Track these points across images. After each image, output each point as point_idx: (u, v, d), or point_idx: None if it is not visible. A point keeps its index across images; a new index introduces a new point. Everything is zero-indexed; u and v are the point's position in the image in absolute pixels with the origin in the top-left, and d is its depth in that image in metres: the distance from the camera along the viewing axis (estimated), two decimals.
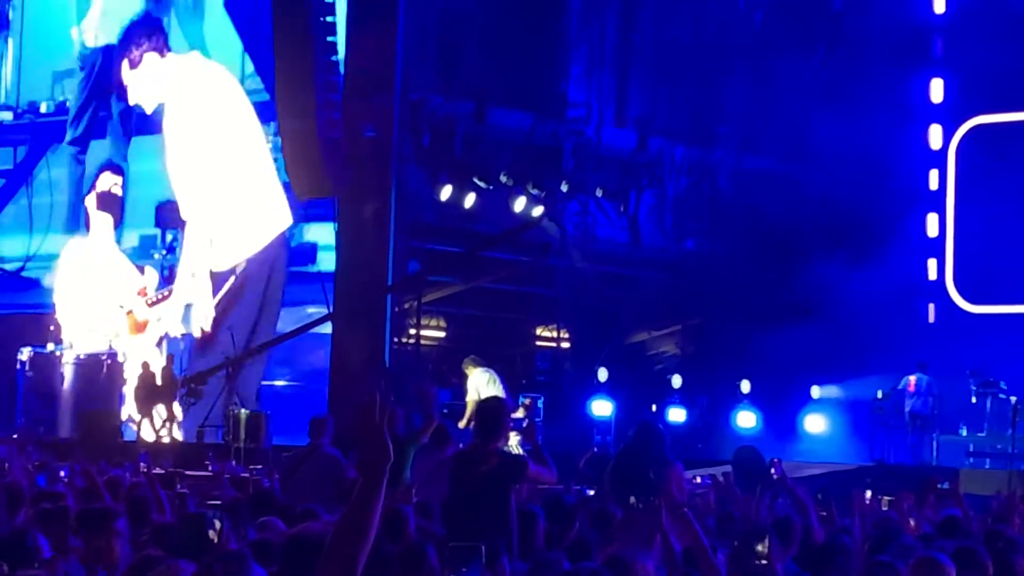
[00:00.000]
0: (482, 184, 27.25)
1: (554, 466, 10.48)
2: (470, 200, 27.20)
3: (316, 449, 14.32)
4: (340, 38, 24.81)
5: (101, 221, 31.38)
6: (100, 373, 27.68)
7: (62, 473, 13.48)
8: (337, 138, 24.32)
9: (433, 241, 27.65)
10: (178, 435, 26.20)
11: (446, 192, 26.88)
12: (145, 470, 12.62)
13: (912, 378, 26.53)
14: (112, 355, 27.99)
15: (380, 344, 25.44)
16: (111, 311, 29.94)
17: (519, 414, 24.02)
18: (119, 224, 31.73)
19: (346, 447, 14.98)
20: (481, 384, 24.30)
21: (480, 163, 27.40)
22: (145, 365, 27.27)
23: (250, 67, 30.19)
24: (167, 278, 31.07)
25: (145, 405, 26.56)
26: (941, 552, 7.49)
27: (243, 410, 23.90)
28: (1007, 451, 24.10)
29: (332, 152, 24.19)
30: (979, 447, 26.87)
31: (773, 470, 12.09)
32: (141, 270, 30.43)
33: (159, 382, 26.43)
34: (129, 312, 29.50)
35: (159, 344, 29.02)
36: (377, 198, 25.32)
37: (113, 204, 31.62)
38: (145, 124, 31.63)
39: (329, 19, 24.30)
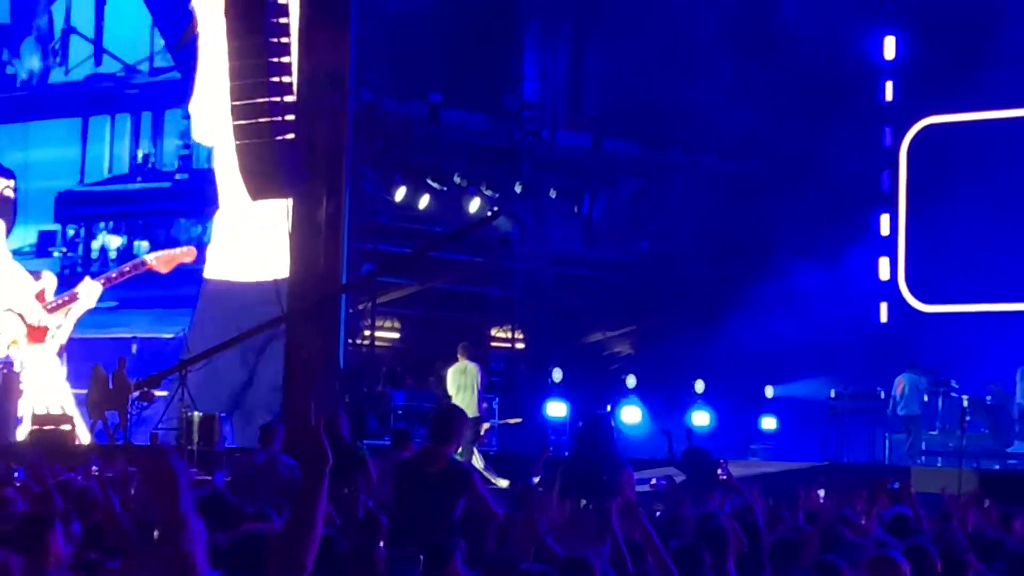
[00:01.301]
0: (436, 185, 27.27)
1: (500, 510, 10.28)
2: (424, 201, 27.21)
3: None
4: (293, 39, 24.75)
5: None
6: None
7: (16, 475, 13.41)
8: (291, 140, 24.26)
9: (388, 242, 27.64)
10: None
11: (400, 193, 26.88)
12: (96, 473, 12.57)
13: (900, 380, 26.36)
14: (7, 363, 27.60)
15: (335, 345, 25.38)
16: (4, 318, 29.64)
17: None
18: (10, 228, 31.45)
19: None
20: (450, 383, 23.91)
21: (434, 164, 27.41)
22: (96, 368, 27.10)
23: (160, 43, 30.04)
24: (67, 278, 30.90)
25: (98, 408, 26.48)
26: (895, 550, 7.53)
27: (196, 413, 23.83)
28: (959, 449, 24.21)
29: (285, 154, 24.12)
30: (931, 445, 26.98)
31: (720, 471, 12.17)
32: (37, 275, 30.06)
33: (112, 385, 26.33)
34: (19, 316, 29.21)
35: (60, 354, 28.90)
36: (331, 200, 25.24)
37: (4, 209, 31.39)
38: (41, 106, 31.66)
39: (282, 20, 24.23)
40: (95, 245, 32.03)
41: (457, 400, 23.01)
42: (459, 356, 23.91)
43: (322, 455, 4.53)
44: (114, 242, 31.48)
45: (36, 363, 28.57)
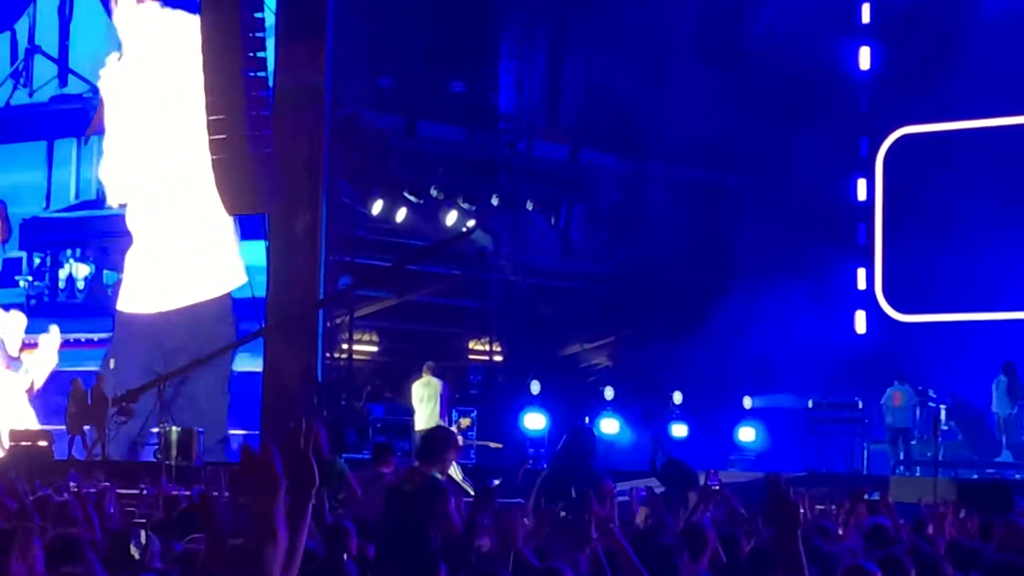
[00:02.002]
0: (413, 198, 27.28)
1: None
2: (401, 214, 27.22)
3: (381, 477, 13.75)
4: (269, 53, 24.75)
5: None
6: None
7: None
8: (267, 153, 24.25)
9: (365, 255, 27.63)
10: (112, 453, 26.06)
11: (377, 206, 26.88)
12: (75, 489, 12.54)
13: (897, 393, 26.34)
14: None
15: (312, 359, 25.39)
16: None
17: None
18: None
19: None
20: (415, 398, 24.16)
21: (411, 177, 27.41)
22: (75, 383, 27.09)
23: None
24: (34, 308, 30.87)
25: (76, 423, 26.44)
26: (868, 561, 7.54)
27: (174, 428, 23.80)
28: (937, 459, 24.25)
29: (262, 168, 24.11)
30: (909, 456, 27.04)
31: (710, 480, 12.17)
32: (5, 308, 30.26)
33: (90, 401, 26.29)
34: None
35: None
36: (308, 213, 25.27)
37: None
38: (4, 129, 31.02)
39: (258, 35, 24.23)
40: (62, 274, 31.45)
41: (420, 411, 23.21)
42: (424, 372, 24.14)
43: (310, 476, 4.51)
44: (82, 271, 31.01)
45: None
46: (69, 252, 31.43)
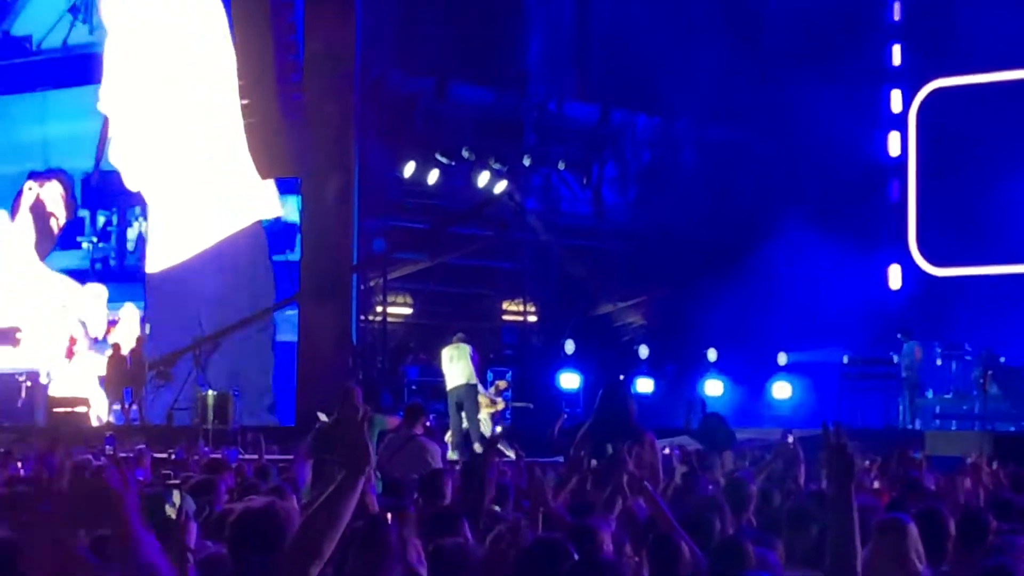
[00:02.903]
0: (444, 160, 27.26)
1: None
2: (433, 176, 27.21)
3: (414, 439, 13.69)
4: (298, 18, 24.76)
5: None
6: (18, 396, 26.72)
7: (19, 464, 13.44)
8: (298, 118, 24.29)
9: (397, 218, 27.65)
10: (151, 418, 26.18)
11: (409, 169, 26.88)
12: (111, 453, 12.61)
13: (917, 347, 26.43)
14: (32, 375, 27.07)
15: (347, 322, 25.46)
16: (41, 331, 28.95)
17: (488, 407, 24.02)
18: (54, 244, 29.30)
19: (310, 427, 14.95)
20: (444, 360, 24.18)
21: (442, 139, 27.39)
22: (116, 347, 27.03)
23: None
24: (99, 273, 29.41)
25: (115, 388, 26.47)
26: (904, 514, 7.53)
27: (211, 392, 23.91)
28: (973, 412, 24.23)
29: (294, 132, 24.15)
30: (945, 409, 26.99)
31: (789, 438, 12.29)
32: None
33: (129, 364, 26.33)
34: (82, 323, 28.75)
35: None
36: (340, 177, 25.29)
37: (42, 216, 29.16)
38: (61, 72, 28.89)
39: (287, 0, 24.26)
40: (131, 234, 29.31)
41: (451, 370, 23.19)
42: (453, 341, 24.17)
43: (364, 456, 4.57)
44: None
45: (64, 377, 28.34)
46: (138, 210, 29.23)
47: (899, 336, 26.72)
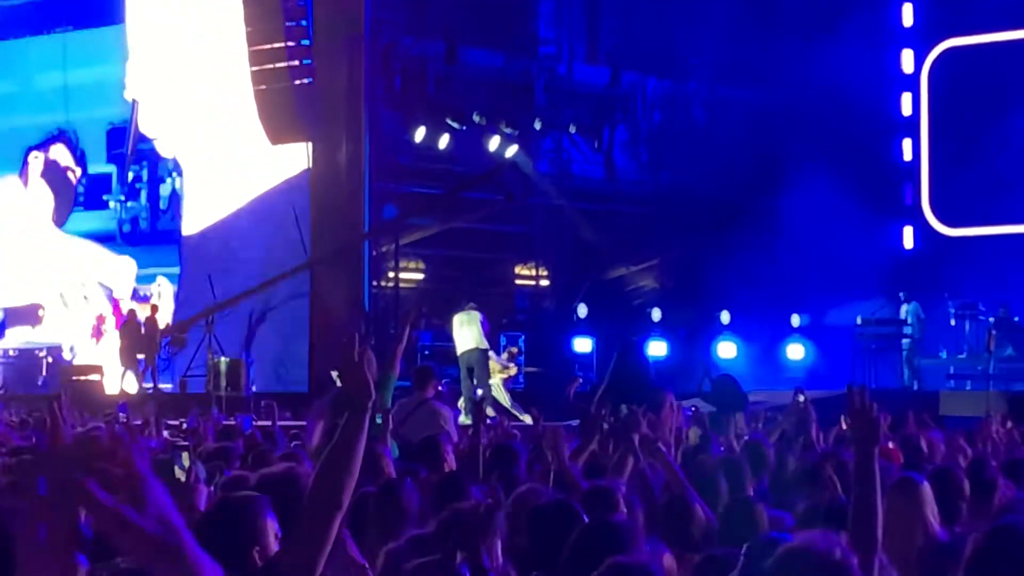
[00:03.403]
0: (455, 124, 27.20)
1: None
2: (444, 141, 27.15)
3: (427, 402, 13.65)
4: None
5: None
6: (39, 372, 26.38)
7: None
8: (309, 83, 24.24)
9: (409, 183, 27.61)
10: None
11: (420, 134, 26.83)
12: (124, 420, 12.63)
13: (918, 309, 26.74)
14: (54, 350, 26.77)
15: (359, 288, 25.46)
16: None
17: (500, 373, 24.17)
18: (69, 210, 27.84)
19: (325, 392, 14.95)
20: (455, 326, 24.36)
21: (453, 103, 27.32)
22: (131, 313, 26.97)
23: None
24: (128, 235, 28.27)
25: (129, 355, 26.46)
26: (918, 474, 7.53)
27: (223, 359, 23.92)
28: (987, 372, 24.19)
29: (304, 97, 24.11)
30: (959, 369, 26.99)
31: (800, 397, 12.28)
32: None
33: (144, 331, 26.31)
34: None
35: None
36: (351, 142, 25.26)
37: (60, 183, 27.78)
38: (80, 11, 27.38)
39: None
40: (163, 191, 27.82)
41: (461, 335, 23.45)
42: (465, 308, 24.34)
43: (365, 390, 4.55)
44: None
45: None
46: (171, 163, 27.76)
47: (900, 296, 26.79)
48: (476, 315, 24.15)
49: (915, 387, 26.08)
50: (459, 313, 24.47)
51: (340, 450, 4.54)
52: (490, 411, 19.63)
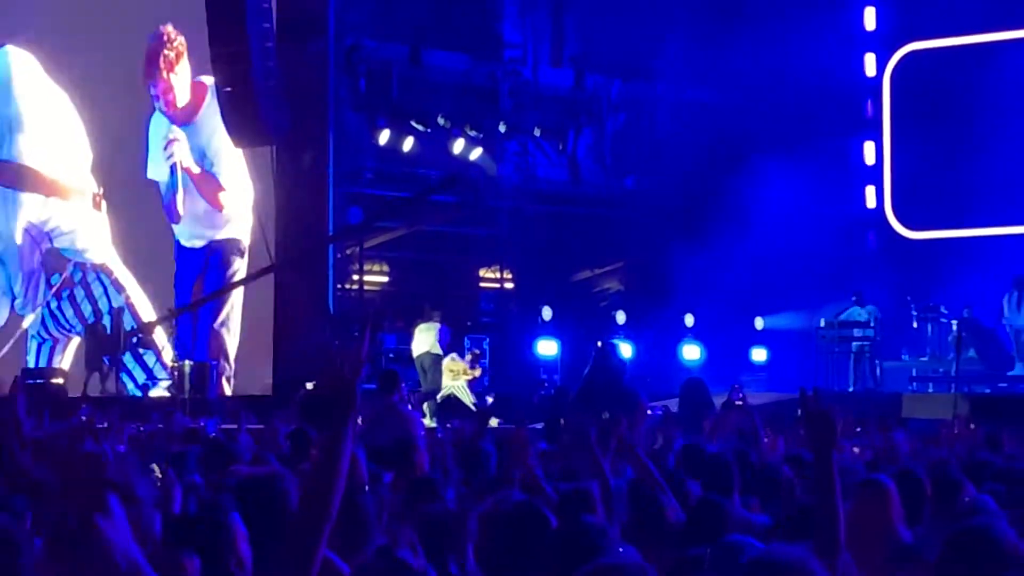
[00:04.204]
0: (420, 127, 27.22)
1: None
2: (408, 144, 27.17)
3: (394, 406, 13.67)
4: None
5: None
6: None
7: None
8: (273, 85, 24.17)
9: (373, 186, 27.60)
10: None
11: (384, 136, 26.84)
12: (87, 422, 12.58)
13: (871, 312, 26.91)
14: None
15: (324, 291, 25.42)
16: None
17: (465, 375, 24.41)
18: None
19: (292, 395, 14.96)
20: (416, 333, 24.84)
21: (417, 106, 27.35)
22: (97, 314, 26.90)
23: None
24: None
25: (94, 358, 26.31)
26: (883, 475, 7.58)
27: (187, 361, 23.86)
28: (949, 374, 24.34)
29: (268, 101, 24.04)
30: (922, 372, 27.13)
31: (733, 396, 12.25)
32: None
33: (109, 332, 26.17)
34: None
35: None
36: (315, 145, 25.22)
37: None
38: None
39: None
40: None
41: (417, 340, 23.96)
42: (430, 317, 24.70)
43: (350, 399, 4.55)
44: None
45: None
46: None
47: (853, 299, 26.92)
48: (436, 326, 24.51)
49: (878, 389, 26.21)
50: (422, 323, 24.79)
51: (327, 461, 4.55)
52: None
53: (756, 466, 9.24)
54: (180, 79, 27.18)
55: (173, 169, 27.21)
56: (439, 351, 24.35)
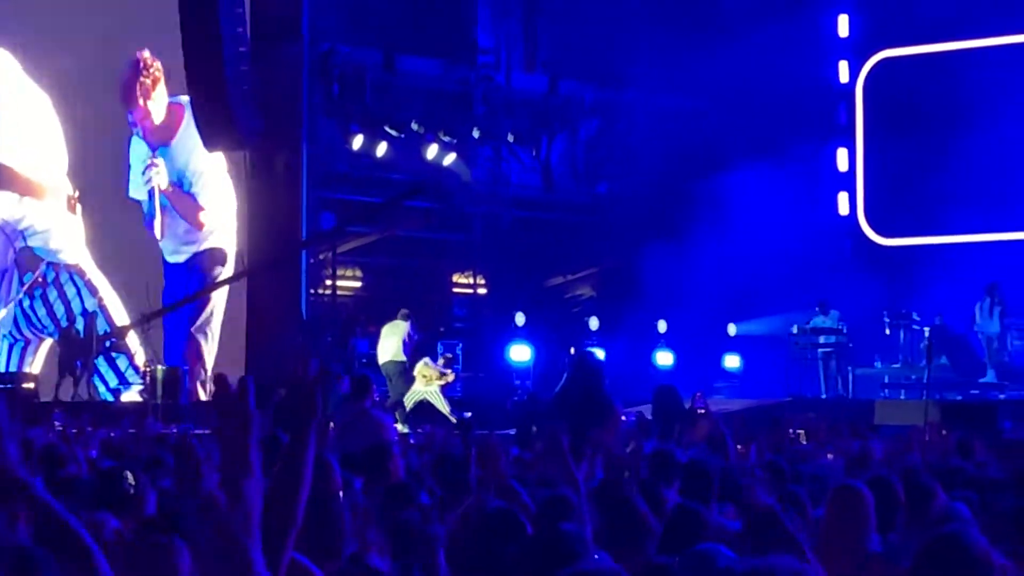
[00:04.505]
0: (393, 132, 27.20)
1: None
2: (382, 149, 27.15)
3: (366, 412, 13.57)
4: None
5: None
6: None
7: None
8: (246, 90, 24.12)
9: (346, 191, 27.58)
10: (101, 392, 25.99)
11: (358, 141, 26.81)
12: (60, 428, 12.54)
13: (836, 319, 27.03)
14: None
15: (296, 296, 25.38)
16: None
17: (438, 380, 24.39)
18: None
19: (265, 402, 14.87)
20: (382, 336, 24.90)
21: (391, 111, 27.33)
22: (71, 316, 26.82)
23: None
24: None
25: (67, 363, 26.23)
26: (857, 481, 7.58)
27: (160, 367, 23.80)
28: (921, 381, 24.40)
29: (242, 105, 23.99)
30: (894, 378, 27.21)
31: (696, 404, 12.23)
32: None
33: (82, 337, 26.09)
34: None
35: None
36: (289, 150, 25.19)
37: None
38: None
39: None
40: None
41: (383, 344, 24.06)
42: (398, 317, 24.72)
43: (312, 407, 4.53)
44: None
45: None
46: None
47: (816, 308, 26.97)
48: (403, 326, 24.48)
49: (846, 396, 26.29)
50: (390, 323, 24.78)
51: (289, 468, 4.53)
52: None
53: (729, 473, 9.23)
54: (157, 104, 27.35)
55: (151, 193, 27.34)
56: (403, 358, 24.37)
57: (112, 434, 14.92)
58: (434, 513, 7.10)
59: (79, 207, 28.06)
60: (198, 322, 26.97)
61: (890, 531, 7.29)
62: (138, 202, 27.59)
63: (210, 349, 26.86)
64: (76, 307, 27.57)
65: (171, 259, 27.44)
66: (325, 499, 7.10)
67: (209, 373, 26.22)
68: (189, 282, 27.23)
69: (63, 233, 28.08)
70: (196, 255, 27.30)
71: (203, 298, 26.89)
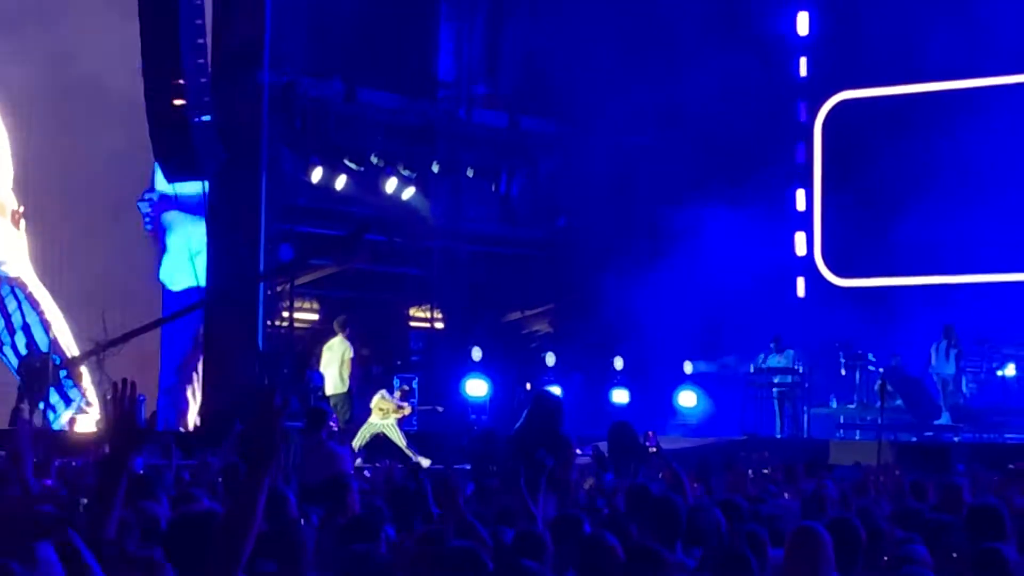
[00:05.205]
0: (353, 165, 27.19)
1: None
2: (341, 182, 27.13)
3: (322, 443, 13.50)
4: (208, 19, 24.55)
5: None
6: None
7: None
8: (207, 121, 24.07)
9: (305, 223, 27.52)
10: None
11: (317, 174, 26.78)
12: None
13: (791, 358, 27.08)
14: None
15: (253, 328, 25.30)
16: None
17: (395, 412, 24.32)
18: None
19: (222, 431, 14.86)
20: (323, 361, 24.76)
21: (351, 144, 27.32)
22: (30, 352, 26.72)
23: None
24: None
25: (27, 391, 26.05)
26: (817, 523, 7.60)
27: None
28: (876, 422, 24.48)
29: (202, 135, 23.93)
30: (849, 419, 27.30)
31: (647, 442, 12.23)
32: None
33: (38, 366, 25.95)
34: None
35: None
36: (248, 181, 25.14)
37: None
38: None
39: (197, 1, 24.03)
40: None
41: (328, 374, 23.92)
42: (335, 329, 24.68)
43: (271, 447, 4.52)
44: None
45: None
46: None
47: (771, 345, 27.04)
48: (340, 345, 24.41)
49: (799, 435, 26.34)
50: (329, 342, 24.66)
51: (243, 501, 4.52)
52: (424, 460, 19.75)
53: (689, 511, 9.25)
54: None
55: None
56: (344, 388, 24.34)
57: (74, 463, 14.84)
58: (393, 549, 7.08)
59: (23, 222, 28.05)
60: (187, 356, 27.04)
61: (850, 573, 7.31)
62: (79, 207, 27.48)
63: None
64: (16, 320, 27.49)
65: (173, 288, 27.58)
66: (285, 528, 7.08)
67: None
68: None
69: (5, 246, 28.07)
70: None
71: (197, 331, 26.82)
